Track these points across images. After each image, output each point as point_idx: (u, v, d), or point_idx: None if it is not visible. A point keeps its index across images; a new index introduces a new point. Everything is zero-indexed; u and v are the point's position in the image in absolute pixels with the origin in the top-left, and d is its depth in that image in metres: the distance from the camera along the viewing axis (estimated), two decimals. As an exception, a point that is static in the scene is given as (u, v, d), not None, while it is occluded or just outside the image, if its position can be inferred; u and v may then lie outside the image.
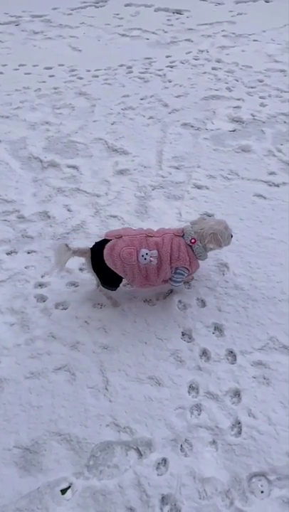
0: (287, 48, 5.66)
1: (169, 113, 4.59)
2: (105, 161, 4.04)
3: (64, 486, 2.15)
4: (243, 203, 3.53)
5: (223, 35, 6.03)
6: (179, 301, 2.89)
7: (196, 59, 5.52)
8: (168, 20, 6.55)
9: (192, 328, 2.73)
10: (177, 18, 6.58)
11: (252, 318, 2.76)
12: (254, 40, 5.88)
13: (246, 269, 2.98)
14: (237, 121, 4.42)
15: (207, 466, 2.17)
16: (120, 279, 2.71)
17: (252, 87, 4.90)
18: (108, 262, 2.58)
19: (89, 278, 3.04)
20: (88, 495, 2.10)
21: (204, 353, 2.62)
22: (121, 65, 5.50)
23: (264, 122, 4.38)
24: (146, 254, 2.57)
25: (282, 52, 5.56)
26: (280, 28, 6.13)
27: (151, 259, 2.57)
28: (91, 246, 2.69)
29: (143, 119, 4.53)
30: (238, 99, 4.72)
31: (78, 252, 2.67)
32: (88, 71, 5.43)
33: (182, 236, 2.66)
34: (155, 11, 6.82)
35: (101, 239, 2.70)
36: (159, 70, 5.34)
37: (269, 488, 2.11)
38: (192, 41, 5.95)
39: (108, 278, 2.71)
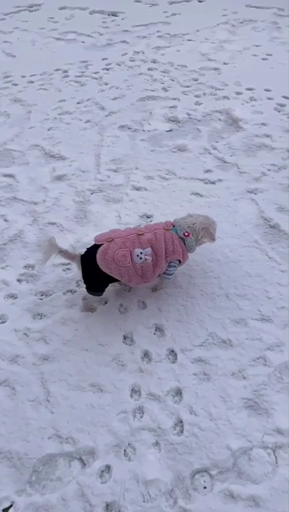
0: (220, 46, 5.77)
1: (106, 116, 4.57)
2: (42, 167, 3.97)
3: (6, 505, 2.10)
4: (181, 202, 3.56)
5: (158, 36, 6.08)
6: (120, 305, 2.88)
7: (131, 60, 5.53)
8: (103, 22, 6.53)
9: (133, 331, 2.73)
10: (112, 20, 6.57)
11: (191, 316, 2.79)
12: (188, 40, 5.96)
13: (185, 267, 3.00)
14: (173, 121, 4.47)
15: (150, 468, 2.18)
16: (107, 284, 2.68)
17: (187, 86, 4.97)
18: (102, 266, 2.53)
19: (28, 289, 2.99)
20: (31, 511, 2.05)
21: (146, 355, 2.63)
22: (57, 70, 5.43)
23: (199, 120, 4.45)
24: (141, 253, 2.56)
25: (216, 51, 5.67)
26: (214, 27, 6.24)
27: (146, 257, 2.57)
28: (82, 253, 2.65)
29: (80, 123, 4.49)
30: (174, 99, 4.76)
31: (66, 255, 2.64)
32: (23, 77, 5.32)
33: (171, 229, 2.70)
34: (90, 13, 6.78)
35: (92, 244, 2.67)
36: (96, 72, 5.32)
37: (211, 483, 2.14)
38: (128, 43, 5.95)
39: (95, 284, 2.67)
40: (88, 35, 6.19)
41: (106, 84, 5.08)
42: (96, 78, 5.21)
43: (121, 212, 3.50)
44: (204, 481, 2.14)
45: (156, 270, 2.65)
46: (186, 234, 2.69)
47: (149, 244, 2.59)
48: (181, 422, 2.34)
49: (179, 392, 2.45)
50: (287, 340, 2.64)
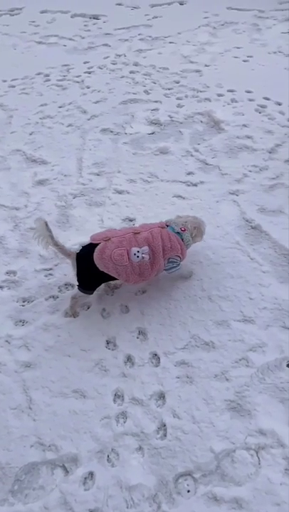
0: (201, 48, 5.80)
1: (88, 119, 4.56)
2: (24, 172, 3.95)
3: (-13, 516, 2.07)
4: (163, 205, 3.57)
5: (140, 39, 6.08)
6: (103, 309, 2.88)
7: (113, 63, 5.53)
8: (85, 25, 6.52)
9: (116, 336, 2.73)
10: (94, 24, 6.56)
11: (174, 319, 2.79)
12: (170, 43, 5.97)
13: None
14: (155, 124, 4.47)
15: (134, 474, 2.17)
16: (100, 283, 2.70)
17: (169, 89, 4.98)
18: (100, 265, 2.54)
19: (9, 295, 2.97)
20: (12, 522, 2.03)
21: (129, 359, 2.62)
22: (38, 74, 5.40)
23: (181, 123, 4.46)
24: (138, 251, 2.57)
25: (198, 53, 5.69)
26: (195, 29, 6.27)
27: (143, 255, 2.58)
28: (78, 251, 2.65)
29: (62, 127, 4.47)
30: (156, 102, 4.77)
31: (62, 250, 2.64)
32: (4, 81, 5.29)
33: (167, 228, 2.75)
34: (72, 17, 6.77)
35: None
36: (77, 76, 5.30)
37: (195, 486, 2.14)
38: (109, 46, 5.95)
39: (88, 282, 2.68)
40: (70, 39, 6.17)
41: (88, 87, 5.07)
42: (78, 82, 5.20)
43: (103, 216, 3.49)
44: (188, 485, 2.14)
45: (154, 268, 2.67)
46: (183, 229, 2.77)
47: (145, 243, 2.61)
48: (165, 425, 2.33)
49: (162, 396, 2.45)
50: (269, 340, 2.65)
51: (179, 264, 2.80)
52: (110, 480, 2.15)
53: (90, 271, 2.59)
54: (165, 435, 2.29)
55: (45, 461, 2.23)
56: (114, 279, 2.68)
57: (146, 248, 2.60)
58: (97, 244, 2.59)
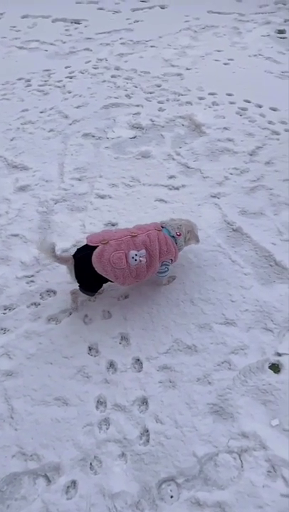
0: (183, 52, 5.83)
1: (70, 124, 4.54)
2: (5, 178, 3.92)
3: None
4: (145, 209, 3.57)
5: (122, 43, 6.09)
6: (85, 316, 2.86)
7: (95, 68, 5.53)
8: (66, 30, 6.51)
9: (98, 342, 2.71)
10: (75, 28, 6.55)
11: (156, 323, 2.79)
12: (151, 46, 5.99)
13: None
14: (137, 128, 4.48)
15: (117, 481, 2.16)
16: (101, 284, 2.70)
17: (150, 93, 4.99)
18: (98, 268, 2.53)
19: (-10, 303, 2.94)
20: (-6, 534, 2.00)
21: (111, 365, 2.61)
22: (19, 79, 5.38)
23: (163, 127, 4.47)
24: (136, 255, 2.58)
25: (179, 57, 5.71)
26: (176, 33, 6.30)
27: (141, 259, 2.59)
28: (73, 253, 2.66)
29: (43, 133, 4.45)
30: (138, 106, 4.77)
31: (59, 259, 2.63)
32: (-15, 87, 5.25)
33: (162, 230, 2.78)
34: (53, 21, 6.75)
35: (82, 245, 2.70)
36: (59, 81, 5.29)
37: (178, 491, 2.13)
38: (91, 50, 5.95)
39: (89, 284, 2.68)
40: (51, 44, 6.15)
41: (69, 92, 5.06)
42: (59, 87, 5.19)
43: (85, 221, 3.48)
44: (171, 490, 2.14)
45: (150, 271, 2.69)
46: (178, 234, 2.80)
47: (143, 246, 2.62)
48: (147, 431, 2.33)
49: (144, 401, 2.45)
50: (250, 342, 2.66)
51: (168, 268, 2.82)
52: (93, 488, 2.14)
53: (89, 273, 2.59)
54: (148, 441, 2.29)
55: (27, 471, 2.21)
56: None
57: (143, 251, 2.62)
58: (93, 246, 2.59)
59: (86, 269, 2.57)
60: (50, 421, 2.37)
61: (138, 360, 2.62)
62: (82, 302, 2.91)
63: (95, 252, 2.55)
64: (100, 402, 2.46)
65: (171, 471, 2.18)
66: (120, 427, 2.34)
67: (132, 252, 2.58)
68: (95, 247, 2.58)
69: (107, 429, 2.35)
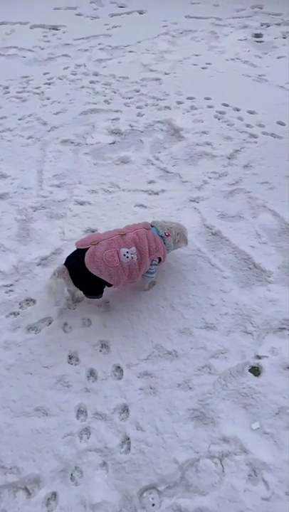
0: (161, 56, 5.86)
1: (49, 131, 4.52)
2: (-17, 187, 3.88)
3: None
4: (125, 215, 3.56)
5: (100, 49, 6.09)
6: (65, 324, 2.84)
7: (73, 74, 5.52)
8: (44, 36, 6.49)
9: (78, 350, 2.70)
10: (54, 34, 6.54)
11: (137, 329, 2.78)
12: (130, 52, 6.00)
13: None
14: (116, 133, 4.48)
15: (98, 491, 2.14)
16: (103, 284, 2.67)
17: (129, 98, 5.00)
18: (92, 269, 2.52)
19: None
20: None
21: (91, 373, 2.59)
22: (-3, 86, 5.34)
23: (142, 132, 4.48)
24: (127, 252, 2.60)
25: (157, 62, 5.74)
26: (154, 38, 6.33)
27: (132, 256, 2.61)
28: (64, 263, 2.65)
29: (22, 140, 4.42)
30: (116, 111, 4.78)
31: (58, 274, 2.59)
32: None
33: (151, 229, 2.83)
34: (31, 28, 6.73)
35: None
36: (37, 87, 5.26)
37: (160, 499, 2.12)
38: (69, 56, 5.94)
39: (91, 287, 2.67)
40: (29, 50, 6.12)
41: (48, 99, 5.04)
42: (38, 93, 5.16)
43: (65, 228, 3.46)
44: (152, 498, 2.13)
45: (142, 269, 2.71)
46: (167, 234, 2.85)
47: (133, 244, 2.65)
48: (128, 439, 2.31)
49: (125, 409, 2.43)
50: (230, 346, 2.67)
51: (156, 266, 2.86)
52: (74, 499, 2.11)
53: (86, 276, 2.58)
54: (129, 449, 2.28)
55: (7, 485, 2.17)
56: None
57: (134, 249, 2.65)
58: (83, 250, 2.59)
59: (82, 273, 2.57)
60: (30, 432, 2.34)
61: (118, 367, 2.61)
62: (62, 311, 2.90)
63: (88, 253, 2.56)
64: (81, 411, 2.44)
65: (153, 478, 2.17)
66: (101, 436, 2.32)
67: (123, 250, 2.61)
68: (85, 250, 2.59)
69: (87, 438, 2.33)
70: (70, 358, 2.67)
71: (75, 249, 2.68)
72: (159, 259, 2.85)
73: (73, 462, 2.24)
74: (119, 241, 2.64)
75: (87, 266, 2.54)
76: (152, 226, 2.87)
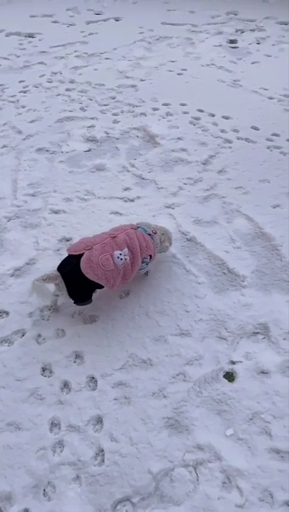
0: (137, 63, 5.87)
1: (24, 139, 4.49)
2: None
3: None
4: (100, 222, 3.55)
5: (76, 56, 6.09)
6: (39, 335, 2.81)
7: (49, 81, 5.50)
8: (20, 44, 6.46)
9: (52, 362, 2.66)
10: (30, 42, 6.52)
11: (111, 338, 2.76)
12: (106, 59, 6.01)
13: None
14: (92, 141, 4.47)
15: (71, 506, 2.12)
16: (93, 289, 2.67)
17: (105, 105, 5.00)
18: (89, 274, 2.52)
19: None
20: None
21: (65, 385, 2.56)
22: (-28, 95, 5.29)
23: (118, 139, 4.48)
24: (120, 254, 2.63)
25: (133, 68, 5.75)
26: (130, 44, 6.35)
27: (125, 257, 2.64)
28: (57, 268, 2.63)
29: (-4, 149, 4.38)
30: (92, 118, 4.77)
31: (48, 279, 2.59)
32: None
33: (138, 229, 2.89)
34: (6, 35, 6.70)
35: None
36: (12, 96, 5.23)
37: (134, 511, 2.10)
38: (45, 64, 5.92)
39: (83, 293, 2.66)
40: (4, 58, 6.09)
41: (23, 107, 5.01)
42: (13, 102, 5.13)
43: (39, 238, 3.43)
44: (126, 511, 2.10)
45: (134, 268, 2.73)
46: (154, 232, 2.92)
47: (125, 245, 2.68)
48: (102, 450, 2.29)
49: (99, 420, 2.41)
50: (205, 352, 2.67)
51: (148, 264, 2.90)
52: (46, 515, 2.08)
53: (81, 283, 2.58)
54: (103, 461, 2.25)
55: (-22, 503, 2.13)
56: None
57: (126, 250, 2.67)
58: (76, 256, 2.59)
59: (77, 279, 2.57)
60: (2, 448, 2.30)
61: (93, 378, 2.59)
62: (36, 322, 2.86)
63: (83, 259, 2.55)
64: (54, 424, 2.41)
65: (127, 490, 2.15)
66: (74, 449, 2.29)
67: (117, 252, 2.63)
68: (78, 256, 2.58)
69: (61, 451, 2.30)
70: (44, 370, 2.63)
71: (67, 255, 2.68)
72: (150, 257, 2.89)
73: (46, 477, 2.20)
74: (112, 244, 2.67)
75: (83, 272, 2.54)
76: (138, 227, 2.92)
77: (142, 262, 2.82)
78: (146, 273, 3.10)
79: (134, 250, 2.72)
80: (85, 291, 2.68)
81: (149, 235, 2.90)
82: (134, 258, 2.73)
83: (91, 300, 2.75)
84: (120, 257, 2.64)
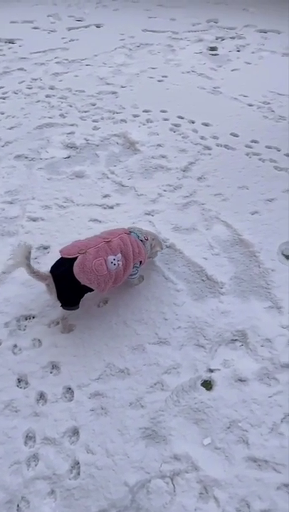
0: (118, 70, 5.88)
1: (2, 146, 4.45)
2: None
3: None
4: (79, 230, 3.52)
5: (56, 62, 6.06)
6: (14, 346, 2.76)
7: (29, 88, 5.46)
8: (0, 50, 6.42)
9: (28, 373, 2.62)
10: (9, 48, 6.47)
11: (88, 348, 2.73)
12: (86, 65, 6.00)
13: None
14: (71, 147, 4.44)
15: (45, 521, 2.06)
16: (82, 294, 2.65)
17: (85, 112, 4.98)
18: (82, 279, 2.51)
19: None
20: None
21: (41, 397, 2.52)
22: None
23: (97, 145, 4.46)
24: (114, 259, 2.61)
25: (114, 75, 5.75)
26: (111, 51, 6.35)
27: (118, 263, 2.64)
28: (49, 270, 2.62)
29: (-26, 156, 4.32)
30: (72, 125, 4.75)
31: (38, 276, 2.56)
32: None
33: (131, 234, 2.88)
34: (-14, 41, 6.65)
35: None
36: (-9, 102, 5.18)
37: (109, 525, 2.06)
38: (25, 70, 5.88)
39: (73, 297, 2.63)
40: (-16, 64, 6.03)
41: (2, 113, 4.96)
42: (-9, 108, 5.07)
43: (16, 246, 3.38)
44: (102, 525, 2.06)
45: (126, 273, 2.74)
46: (146, 238, 2.92)
47: (119, 250, 2.67)
48: (78, 463, 2.25)
49: (75, 432, 2.37)
50: (183, 360, 2.66)
51: (138, 270, 2.90)
52: (19, 532, 2.03)
53: (71, 286, 2.56)
54: (78, 474, 2.22)
55: None
56: None
57: (119, 255, 2.66)
58: (70, 259, 2.56)
59: (68, 283, 2.55)
60: (-25, 463, 2.24)
61: (69, 388, 2.55)
62: (12, 332, 2.82)
63: (77, 263, 2.53)
64: (29, 437, 2.36)
65: (102, 504, 2.11)
66: (50, 462, 2.25)
67: (110, 258, 2.61)
68: (72, 259, 2.55)
69: (35, 465, 2.25)
70: (19, 382, 2.59)
71: (60, 257, 2.65)
72: (140, 263, 2.89)
73: (19, 492, 2.16)
74: (106, 248, 2.65)
75: (76, 276, 2.53)
76: (131, 231, 2.91)
77: (133, 267, 2.83)
78: (142, 278, 3.10)
79: (127, 256, 2.72)
80: (75, 296, 2.66)
81: (141, 241, 2.89)
82: (126, 263, 2.73)
83: (78, 306, 2.72)
84: (114, 262, 2.64)
